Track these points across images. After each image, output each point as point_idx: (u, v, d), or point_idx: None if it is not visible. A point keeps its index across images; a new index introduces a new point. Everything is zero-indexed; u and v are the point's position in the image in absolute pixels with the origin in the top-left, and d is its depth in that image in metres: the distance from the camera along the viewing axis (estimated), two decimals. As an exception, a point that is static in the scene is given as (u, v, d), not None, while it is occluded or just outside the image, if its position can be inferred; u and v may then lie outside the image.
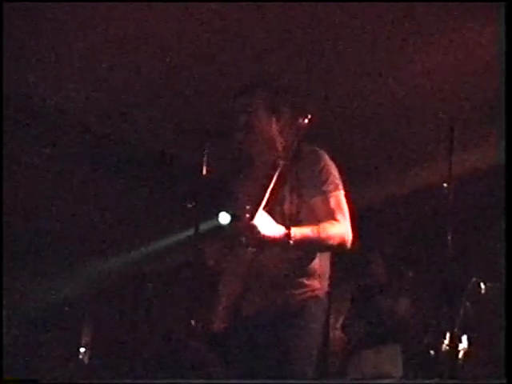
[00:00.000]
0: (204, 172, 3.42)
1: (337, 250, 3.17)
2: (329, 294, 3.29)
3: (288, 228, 2.93)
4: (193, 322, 3.26)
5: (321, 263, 3.22)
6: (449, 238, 3.48)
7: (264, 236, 2.84)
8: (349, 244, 3.12)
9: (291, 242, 2.92)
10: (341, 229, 3.09)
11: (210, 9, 4.48)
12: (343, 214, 3.12)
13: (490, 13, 4.25)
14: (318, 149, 3.23)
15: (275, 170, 2.78)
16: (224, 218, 7.04)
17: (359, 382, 5.06)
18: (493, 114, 5.28)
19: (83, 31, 4.81)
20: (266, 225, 2.85)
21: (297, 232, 2.94)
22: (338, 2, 4.34)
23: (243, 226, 2.85)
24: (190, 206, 3.53)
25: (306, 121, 2.77)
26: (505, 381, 2.70)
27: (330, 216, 3.08)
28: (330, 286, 3.30)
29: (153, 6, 4.47)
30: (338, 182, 3.18)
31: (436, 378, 4.13)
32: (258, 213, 2.82)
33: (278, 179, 2.91)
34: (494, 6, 4.03)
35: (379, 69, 5.06)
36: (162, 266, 8.80)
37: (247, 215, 2.83)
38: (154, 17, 4.61)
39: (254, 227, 2.81)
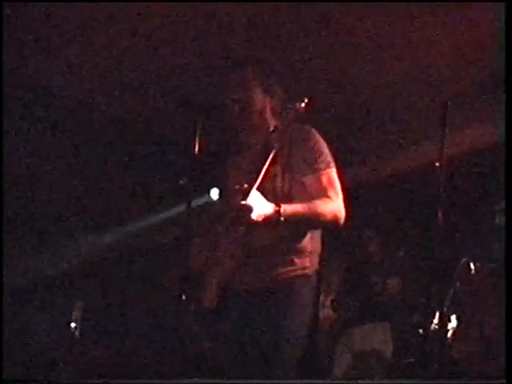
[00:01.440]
0: (196, 148, 3.42)
1: (329, 227, 3.18)
2: (319, 272, 3.30)
3: (278, 205, 2.93)
4: (184, 297, 3.27)
5: (312, 241, 3.23)
6: (439, 217, 3.49)
7: (256, 215, 2.84)
8: (341, 221, 3.13)
9: (282, 218, 2.92)
10: (333, 206, 3.09)
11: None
12: (335, 192, 3.12)
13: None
14: (308, 127, 3.22)
15: (268, 151, 2.77)
16: (216, 194, 7.07)
17: (347, 382, 5.08)
18: (486, 93, 5.29)
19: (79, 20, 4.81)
20: (258, 204, 2.85)
21: (287, 208, 2.94)
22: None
23: (236, 206, 2.83)
24: (182, 182, 3.53)
25: (303, 105, 2.76)
26: (505, 381, 2.72)
27: (323, 193, 3.08)
28: (320, 264, 3.31)
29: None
30: (330, 159, 3.18)
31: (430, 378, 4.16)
32: (251, 193, 2.81)
33: (271, 160, 2.90)
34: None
35: (372, 50, 5.05)
36: (155, 241, 8.81)
37: (240, 195, 2.81)
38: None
39: (246, 207, 2.81)
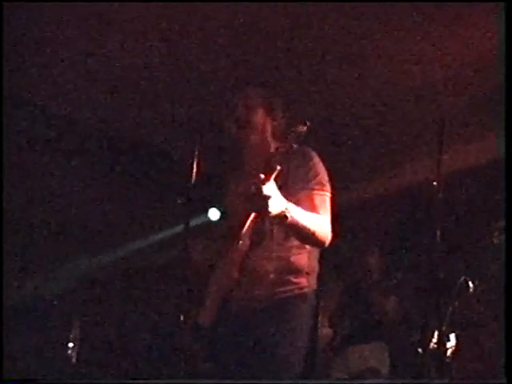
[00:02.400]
0: (194, 168, 3.43)
1: (315, 245, 3.18)
2: (317, 291, 3.30)
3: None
4: (182, 318, 3.27)
5: (309, 261, 3.24)
6: (437, 236, 3.49)
7: (270, 204, 2.75)
8: (327, 242, 3.13)
9: (289, 217, 2.87)
10: (323, 224, 3.10)
11: (206, 6, 4.48)
12: (325, 213, 3.14)
13: (486, 11, 4.27)
14: (308, 148, 3.24)
15: (269, 172, 2.76)
16: (214, 213, 7.08)
17: (348, 381, 5.07)
18: (483, 112, 5.30)
19: (80, 30, 4.83)
20: (273, 193, 2.76)
21: (294, 213, 2.89)
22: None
23: (252, 191, 2.73)
24: (180, 201, 3.54)
25: (305, 128, 2.76)
26: (505, 381, 2.71)
27: (313, 211, 3.08)
28: (318, 283, 3.31)
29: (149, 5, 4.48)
30: (325, 183, 3.20)
31: (425, 378, 4.15)
32: (268, 183, 2.75)
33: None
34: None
35: (369, 68, 5.07)
36: (153, 261, 8.79)
37: (256, 182, 2.73)
38: (150, 14, 4.61)
39: (261, 190, 2.70)
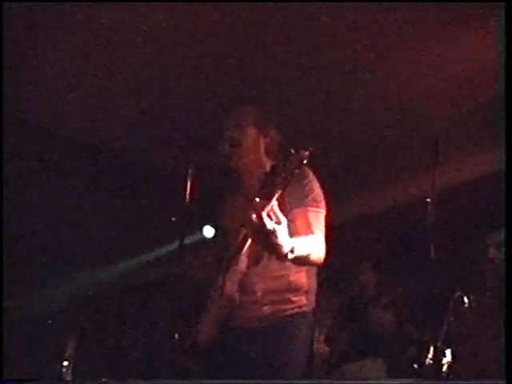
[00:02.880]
0: (188, 186, 3.43)
1: (311, 265, 3.17)
2: (315, 309, 3.30)
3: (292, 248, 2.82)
4: (176, 336, 3.26)
5: (308, 279, 3.24)
6: (432, 252, 3.49)
7: (273, 237, 2.69)
8: (322, 261, 3.12)
9: (290, 257, 2.82)
10: (318, 243, 3.09)
11: (198, 19, 4.48)
12: (320, 231, 3.13)
13: (485, 25, 4.28)
14: (305, 167, 3.24)
15: (269, 193, 2.73)
16: (208, 231, 7.08)
17: (347, 382, 5.06)
18: (477, 128, 5.32)
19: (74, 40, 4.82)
20: (281, 228, 2.70)
21: (298, 253, 2.85)
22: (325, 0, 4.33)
23: (253, 217, 2.65)
24: (174, 219, 3.54)
25: (307, 153, 2.75)
26: (505, 381, 2.71)
27: (307, 229, 3.08)
28: (317, 301, 3.31)
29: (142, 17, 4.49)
30: (320, 200, 3.21)
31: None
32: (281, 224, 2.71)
33: None
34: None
35: (363, 84, 5.08)
36: (147, 279, 8.76)
37: (255, 207, 2.65)
38: (142, 28, 4.61)
39: (262, 217, 2.61)
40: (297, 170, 2.70)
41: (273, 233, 2.66)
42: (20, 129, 5.73)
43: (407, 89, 5.07)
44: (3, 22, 4.19)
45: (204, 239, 6.49)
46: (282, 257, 2.81)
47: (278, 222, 2.68)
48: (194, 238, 6.03)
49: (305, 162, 2.71)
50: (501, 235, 4.25)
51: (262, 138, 3.34)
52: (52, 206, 7.18)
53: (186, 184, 3.46)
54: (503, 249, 4.21)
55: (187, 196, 3.51)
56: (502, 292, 4.18)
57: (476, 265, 4.52)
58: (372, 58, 4.79)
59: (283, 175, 2.69)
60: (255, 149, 3.33)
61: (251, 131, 3.33)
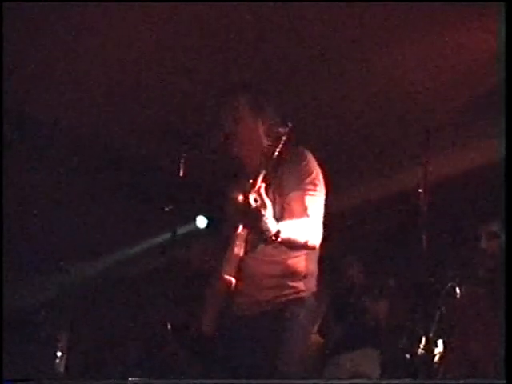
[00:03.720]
0: (181, 175, 3.43)
1: (306, 249, 3.16)
2: (315, 295, 3.28)
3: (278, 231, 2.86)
4: (169, 327, 3.27)
5: (307, 264, 3.23)
6: (424, 242, 3.50)
7: (260, 220, 2.75)
8: (318, 244, 3.13)
9: (278, 240, 2.86)
10: (313, 227, 3.09)
11: (190, 11, 4.47)
12: (316, 213, 3.12)
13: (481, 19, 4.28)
14: (303, 148, 3.24)
15: (255, 179, 2.75)
16: (201, 221, 7.08)
17: (347, 382, 5.07)
18: (470, 119, 5.33)
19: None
20: (267, 210, 2.76)
21: (284, 236, 2.89)
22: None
23: (241, 201, 2.73)
24: (167, 209, 3.54)
25: (286, 129, 2.76)
26: (505, 381, 2.72)
27: (303, 211, 3.08)
28: (317, 287, 3.29)
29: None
30: (318, 183, 3.19)
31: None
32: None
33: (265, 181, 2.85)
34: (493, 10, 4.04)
35: (356, 75, 5.08)
36: (141, 269, 8.76)
37: (244, 192, 2.72)
38: (138, 22, 4.60)
39: (249, 202, 2.70)
40: (277, 150, 2.72)
41: (257, 215, 2.71)
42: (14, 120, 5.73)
43: (400, 80, 5.07)
44: (3, 22, 4.19)
45: (197, 229, 6.49)
46: (268, 240, 2.84)
47: (263, 205, 2.72)
48: (187, 228, 6.03)
49: (284, 138, 2.73)
50: (492, 226, 4.28)
51: (260, 121, 3.32)
52: (40, 197, 7.17)
53: (179, 174, 3.45)
54: (496, 239, 4.24)
55: (179, 186, 3.51)
56: (493, 283, 4.22)
57: (468, 256, 4.53)
58: (366, 51, 4.78)
59: (264, 155, 2.72)
60: (254, 135, 3.31)
61: (248, 119, 3.31)
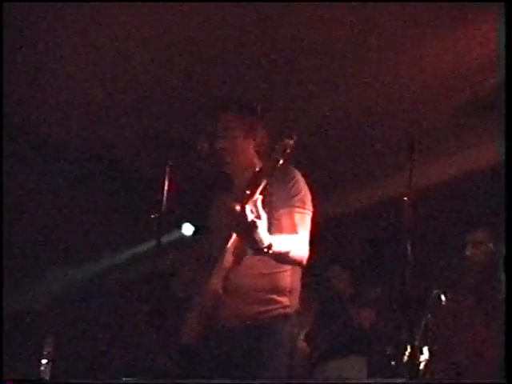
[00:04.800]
0: (166, 183, 3.43)
1: (294, 264, 3.18)
2: (298, 310, 3.30)
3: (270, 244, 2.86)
4: (154, 335, 3.26)
5: (292, 279, 3.24)
6: (409, 250, 3.50)
7: (254, 231, 2.75)
8: (305, 261, 3.15)
9: (269, 252, 2.86)
10: (302, 243, 3.12)
11: (182, 19, 4.48)
12: (304, 231, 3.15)
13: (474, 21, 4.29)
14: (292, 167, 3.27)
15: (254, 188, 2.76)
16: (187, 229, 7.07)
17: (347, 382, 5.07)
18: (456, 126, 5.34)
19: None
20: (261, 223, 2.76)
21: (276, 249, 2.89)
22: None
23: (237, 209, 2.73)
24: (153, 216, 3.54)
25: (291, 141, 2.77)
26: (505, 381, 2.72)
27: (292, 229, 3.11)
28: (300, 302, 3.30)
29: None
30: (307, 201, 3.23)
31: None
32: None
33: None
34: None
35: (341, 83, 5.08)
36: (126, 276, 8.76)
37: (241, 200, 2.73)
38: (128, 27, 4.61)
39: (245, 210, 2.70)
40: (281, 160, 2.73)
41: (252, 226, 2.71)
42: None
43: (386, 86, 5.08)
44: (3, 22, 4.19)
45: (182, 237, 6.48)
46: (260, 252, 2.84)
47: (258, 217, 2.73)
48: (174, 235, 6.04)
49: (288, 150, 2.74)
50: (478, 234, 4.29)
51: (250, 140, 3.35)
52: (26, 206, 7.15)
53: (164, 182, 3.45)
54: (481, 247, 4.25)
55: (165, 194, 3.51)
56: (479, 290, 4.23)
57: (454, 263, 4.55)
58: (351, 56, 4.79)
59: (268, 165, 2.73)
60: (244, 152, 3.33)
61: (239, 136, 3.33)
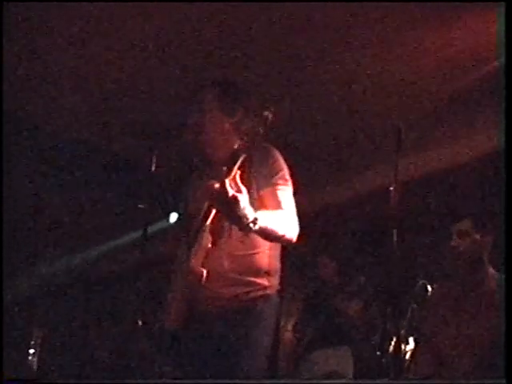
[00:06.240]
0: (153, 171, 3.42)
1: (284, 242, 3.15)
2: (280, 292, 3.29)
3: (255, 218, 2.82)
4: (140, 323, 3.26)
5: (270, 261, 3.22)
6: (395, 241, 3.51)
7: (236, 206, 2.71)
8: (295, 236, 3.12)
9: (254, 228, 2.83)
10: (289, 220, 3.09)
11: (167, 8, 4.46)
12: (290, 206, 3.14)
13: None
14: (269, 146, 3.25)
15: (232, 164, 2.74)
16: (174, 218, 7.05)
17: (346, 382, 5.08)
18: (442, 117, 5.36)
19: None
20: (242, 198, 2.73)
21: (262, 224, 2.85)
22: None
23: (216, 185, 2.68)
24: (141, 206, 3.54)
25: (270, 114, 2.76)
26: (505, 381, 2.72)
27: (277, 206, 3.08)
28: (281, 284, 3.30)
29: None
30: (288, 178, 3.21)
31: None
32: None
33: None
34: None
35: (327, 71, 5.07)
36: (113, 266, 8.75)
37: (219, 175, 2.69)
38: (113, 16, 4.59)
39: (225, 185, 2.65)
40: (261, 129, 2.72)
41: (234, 201, 2.68)
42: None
43: (372, 77, 5.08)
44: (3, 22, 4.16)
45: (171, 226, 6.47)
46: (245, 227, 2.81)
47: (239, 191, 2.70)
48: (162, 224, 6.03)
49: (267, 123, 2.73)
50: (464, 224, 4.30)
51: (228, 118, 3.30)
52: (10, 196, 7.12)
53: (151, 171, 3.45)
54: (467, 237, 4.26)
55: (154, 183, 3.50)
56: (464, 280, 4.25)
57: (439, 253, 4.56)
58: (337, 48, 4.79)
59: (247, 139, 2.71)
60: (221, 131, 3.30)
61: (215, 115, 3.31)
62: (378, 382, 4.22)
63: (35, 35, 4.75)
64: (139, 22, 4.59)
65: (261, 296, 3.17)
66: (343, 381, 5.17)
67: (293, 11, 4.40)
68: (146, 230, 3.40)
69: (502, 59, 3.53)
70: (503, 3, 3.55)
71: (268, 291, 3.20)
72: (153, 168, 3.43)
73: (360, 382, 4.95)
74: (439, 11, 4.25)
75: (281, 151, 3.25)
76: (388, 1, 4.21)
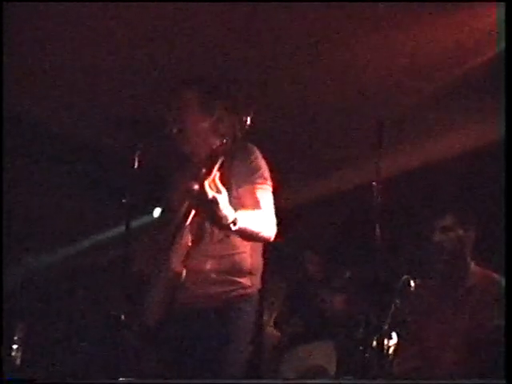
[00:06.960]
0: (136, 167, 3.42)
1: (262, 240, 3.19)
2: (261, 291, 3.31)
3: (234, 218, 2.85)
4: (123, 317, 3.25)
5: (252, 260, 3.24)
6: (378, 236, 3.52)
7: (215, 206, 2.73)
8: (273, 236, 3.14)
9: (233, 229, 2.85)
10: (268, 219, 3.11)
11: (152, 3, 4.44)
12: (268, 205, 3.15)
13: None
14: (250, 145, 3.26)
15: (211, 165, 2.75)
16: (157, 213, 7.01)
17: (345, 381, 5.09)
18: (424, 112, 5.37)
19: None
20: (221, 198, 2.75)
21: (242, 225, 2.88)
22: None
23: (195, 186, 2.71)
24: (124, 201, 3.53)
25: (249, 117, 2.77)
26: (505, 381, 2.74)
27: (255, 205, 3.10)
28: (263, 281, 3.31)
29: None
30: (267, 177, 3.23)
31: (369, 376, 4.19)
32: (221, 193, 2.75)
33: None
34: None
35: (310, 68, 5.07)
36: (97, 261, 8.72)
37: (199, 177, 2.71)
38: (97, 12, 4.57)
39: (203, 186, 2.67)
40: (241, 128, 2.73)
41: (214, 202, 2.70)
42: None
43: (354, 73, 5.08)
44: (3, 22, 4.14)
45: (153, 221, 6.47)
46: (225, 228, 2.83)
47: (218, 191, 2.72)
48: (145, 220, 6.02)
49: (248, 122, 2.74)
50: (447, 219, 4.33)
51: (208, 116, 3.31)
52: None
53: (134, 165, 3.44)
54: (449, 233, 4.28)
55: (138, 178, 3.49)
56: (447, 275, 4.28)
57: (423, 249, 4.58)
58: (321, 43, 4.78)
59: (226, 142, 2.72)
60: (200, 129, 3.31)
61: (194, 112, 3.31)
62: (362, 381, 4.25)
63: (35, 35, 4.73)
64: (127, 18, 4.56)
65: (241, 295, 3.19)
66: (327, 380, 5.19)
67: (275, 7, 4.40)
68: (128, 224, 3.38)
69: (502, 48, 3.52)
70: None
71: (249, 290, 3.23)
72: (136, 163, 3.41)
73: (345, 381, 4.96)
74: (435, 3, 4.25)
75: (263, 147, 3.26)
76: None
